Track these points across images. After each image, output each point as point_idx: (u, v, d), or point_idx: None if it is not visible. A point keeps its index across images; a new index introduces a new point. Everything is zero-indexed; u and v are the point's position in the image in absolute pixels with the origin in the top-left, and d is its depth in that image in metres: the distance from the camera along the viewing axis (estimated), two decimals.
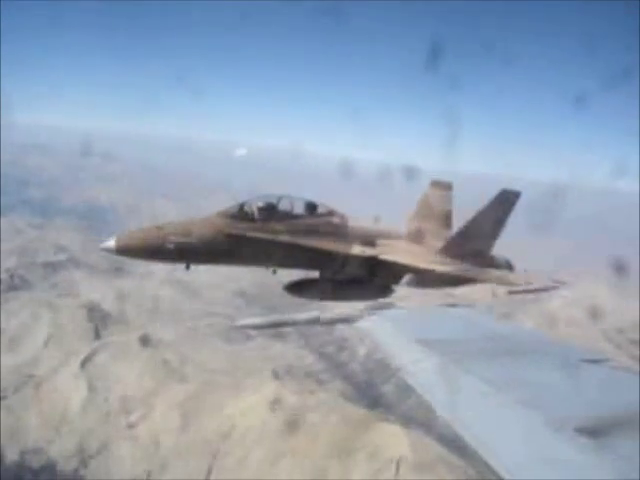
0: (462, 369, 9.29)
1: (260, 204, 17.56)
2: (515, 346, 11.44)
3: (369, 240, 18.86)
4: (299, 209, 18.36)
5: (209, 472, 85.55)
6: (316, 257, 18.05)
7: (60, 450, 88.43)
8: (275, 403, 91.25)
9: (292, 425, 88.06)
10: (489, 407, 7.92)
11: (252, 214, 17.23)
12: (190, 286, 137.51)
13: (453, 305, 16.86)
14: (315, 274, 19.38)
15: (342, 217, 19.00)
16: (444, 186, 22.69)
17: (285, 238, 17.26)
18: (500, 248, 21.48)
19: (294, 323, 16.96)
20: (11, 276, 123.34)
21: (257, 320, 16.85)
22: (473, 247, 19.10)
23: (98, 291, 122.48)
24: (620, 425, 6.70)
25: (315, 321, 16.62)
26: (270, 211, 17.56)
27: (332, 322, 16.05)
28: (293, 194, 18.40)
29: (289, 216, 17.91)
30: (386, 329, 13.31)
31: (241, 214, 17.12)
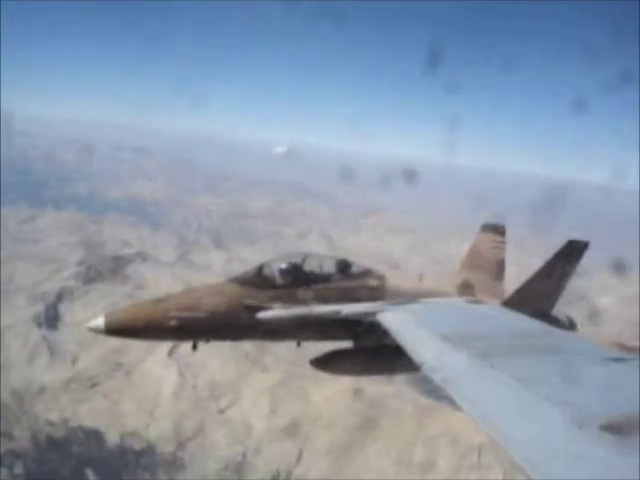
0: (487, 365, 8.84)
1: (282, 266, 15.56)
2: (540, 343, 10.91)
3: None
4: (329, 269, 16.15)
5: (300, 454, 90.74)
6: (351, 327, 15.32)
7: (158, 433, 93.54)
8: (357, 392, 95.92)
9: (375, 412, 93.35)
10: (514, 403, 7.72)
11: (273, 279, 15.27)
12: None
13: (478, 301, 16.06)
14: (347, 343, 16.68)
15: (380, 277, 16.54)
16: (497, 230, 20.21)
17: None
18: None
19: (318, 316, 14.58)
20: (87, 268, 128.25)
21: (280, 312, 14.50)
22: (534, 306, 16.11)
23: (168, 282, 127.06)
24: None
25: (337, 314, 14.47)
26: (295, 274, 15.51)
27: (355, 316, 14.27)
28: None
29: (318, 279, 15.66)
30: (409, 323, 12.12)
31: (259, 279, 15.19)
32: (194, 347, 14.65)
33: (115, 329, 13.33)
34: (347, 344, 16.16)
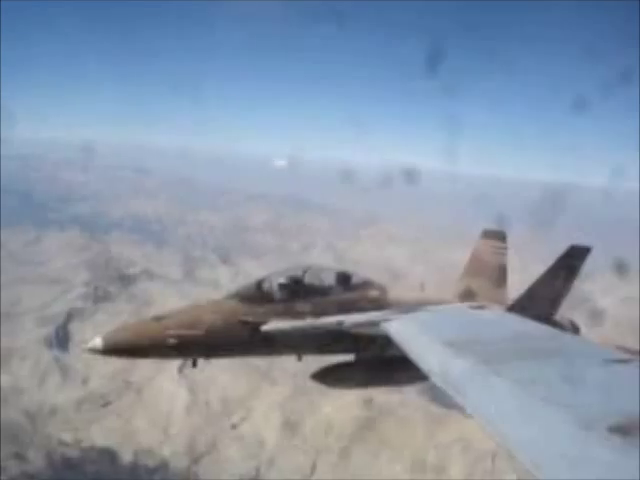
0: (491, 370, 8.85)
1: (282, 280, 15.40)
2: (544, 346, 10.89)
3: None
4: (329, 282, 15.98)
5: (314, 467, 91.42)
6: (351, 340, 15.16)
7: (171, 450, 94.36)
8: (367, 402, 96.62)
9: (386, 421, 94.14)
10: (520, 408, 7.71)
11: (272, 293, 15.09)
12: None
13: (481, 307, 15.90)
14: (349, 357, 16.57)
15: (381, 288, 16.52)
16: (497, 236, 20.06)
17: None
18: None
19: (320, 328, 14.43)
20: (95, 289, 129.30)
21: (283, 325, 14.31)
22: (538, 311, 16.09)
23: (175, 300, 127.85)
24: None
25: (340, 324, 14.26)
26: (294, 288, 15.34)
27: (357, 326, 14.08)
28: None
29: (318, 292, 15.51)
30: (412, 331, 12.08)
31: (258, 294, 15.00)
32: (194, 364, 14.57)
33: (113, 349, 13.13)
34: (347, 357, 16.18)
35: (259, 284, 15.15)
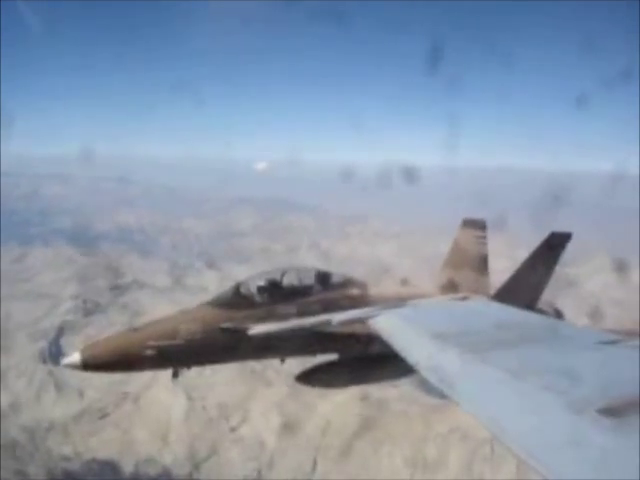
0: (479, 360, 8.78)
1: (260, 283, 15.18)
2: (530, 333, 10.75)
3: None
4: (309, 282, 15.81)
5: (315, 465, 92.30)
6: (334, 340, 14.95)
7: (172, 457, 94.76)
8: (363, 399, 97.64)
9: (384, 416, 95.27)
10: (509, 395, 7.61)
11: (251, 297, 14.88)
12: None
13: (465, 297, 15.35)
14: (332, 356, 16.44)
15: (361, 285, 16.47)
16: (477, 225, 19.73)
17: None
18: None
19: (309, 327, 14.15)
20: (84, 301, 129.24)
21: (271, 327, 14.11)
22: (521, 299, 16.11)
23: (166, 308, 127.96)
24: None
25: (327, 324, 13.91)
26: (273, 290, 15.16)
27: (345, 323, 13.67)
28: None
29: (297, 293, 15.36)
30: (399, 326, 11.80)
31: (237, 299, 14.80)
32: (175, 375, 14.25)
33: (92, 364, 12.89)
34: (331, 357, 16.08)
35: (237, 289, 14.99)
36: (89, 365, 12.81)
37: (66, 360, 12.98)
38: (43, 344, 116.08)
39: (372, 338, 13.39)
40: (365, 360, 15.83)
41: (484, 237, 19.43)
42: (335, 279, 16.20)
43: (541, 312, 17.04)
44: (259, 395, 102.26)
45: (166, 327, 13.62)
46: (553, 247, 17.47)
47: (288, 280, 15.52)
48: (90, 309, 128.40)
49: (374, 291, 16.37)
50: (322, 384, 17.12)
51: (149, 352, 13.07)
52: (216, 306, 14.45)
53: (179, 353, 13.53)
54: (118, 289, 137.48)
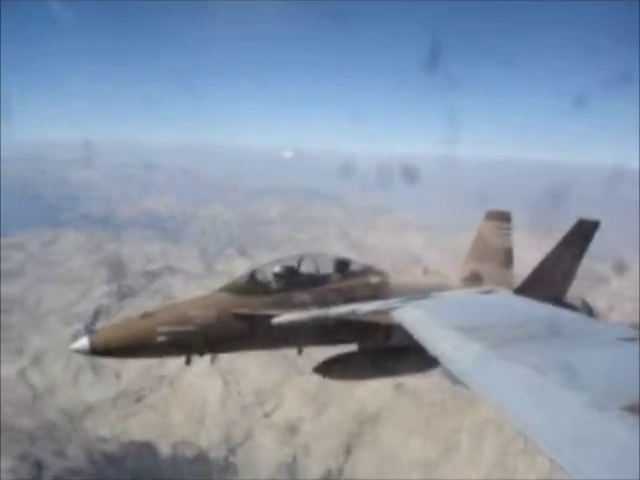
0: (502, 354, 8.81)
1: (277, 269, 14.78)
2: (554, 328, 10.55)
3: None
4: (327, 269, 15.37)
5: (348, 450, 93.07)
6: (353, 329, 14.66)
7: (208, 441, 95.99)
8: (398, 387, 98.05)
9: (418, 405, 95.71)
10: (531, 390, 7.65)
11: (267, 284, 14.47)
12: None
13: (490, 291, 15.50)
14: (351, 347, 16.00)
15: (382, 274, 16.03)
16: (502, 217, 19.29)
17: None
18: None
19: (332, 318, 13.59)
20: (119, 286, 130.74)
21: (295, 316, 13.56)
22: (546, 293, 15.49)
23: (198, 293, 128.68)
24: None
25: (351, 314, 13.49)
26: (290, 277, 14.76)
27: (368, 314, 13.40)
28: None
29: (315, 281, 14.94)
30: (423, 318, 11.84)
31: (252, 285, 14.41)
32: (187, 362, 13.74)
33: (101, 349, 12.54)
34: (350, 348, 15.76)
35: (252, 275, 14.65)
36: (98, 350, 12.53)
37: (74, 345, 12.62)
38: (77, 328, 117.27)
39: (392, 330, 13.68)
40: (384, 352, 15.53)
41: (509, 229, 19.12)
42: (354, 267, 15.90)
43: (569, 306, 16.53)
44: (293, 382, 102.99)
45: (178, 313, 13.26)
46: (581, 236, 16.85)
47: (305, 267, 15.25)
48: (125, 293, 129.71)
49: (394, 280, 16.10)
50: (340, 376, 16.66)
51: (160, 338, 12.71)
52: (231, 292, 14.17)
53: (192, 340, 13.15)
54: (150, 274, 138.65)
